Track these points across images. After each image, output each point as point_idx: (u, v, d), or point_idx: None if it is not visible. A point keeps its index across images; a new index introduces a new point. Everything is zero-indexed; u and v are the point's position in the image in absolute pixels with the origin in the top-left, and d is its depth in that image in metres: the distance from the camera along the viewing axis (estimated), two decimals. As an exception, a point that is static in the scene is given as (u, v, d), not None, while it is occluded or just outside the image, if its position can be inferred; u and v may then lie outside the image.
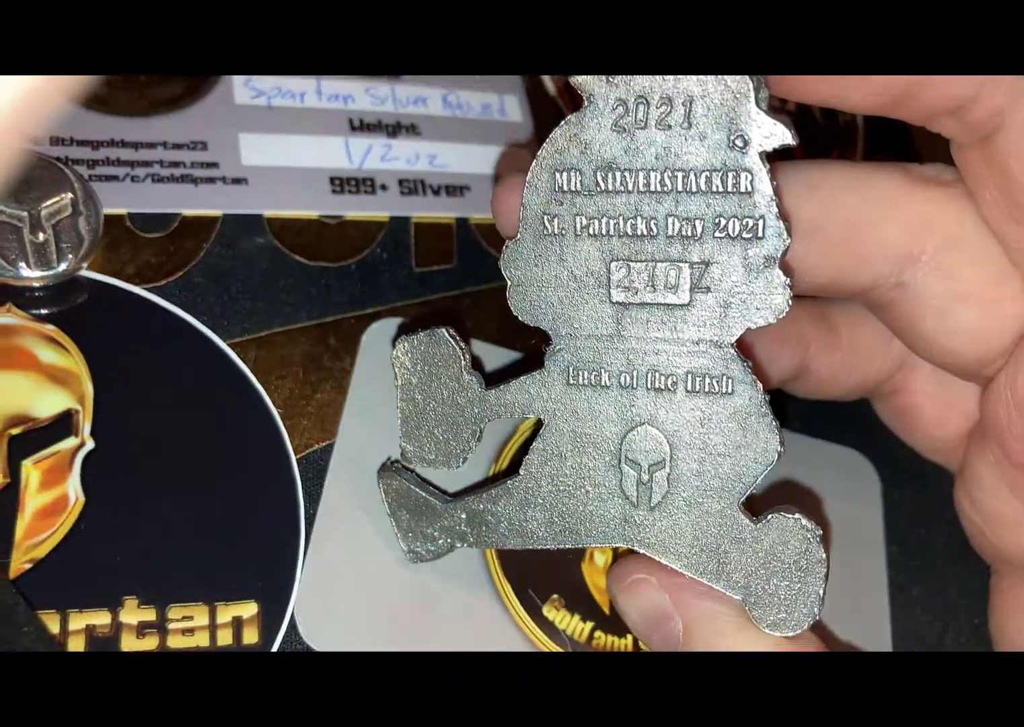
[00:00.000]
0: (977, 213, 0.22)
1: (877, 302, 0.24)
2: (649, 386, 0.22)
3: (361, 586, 0.25)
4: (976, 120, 0.21)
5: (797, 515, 0.22)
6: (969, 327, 0.23)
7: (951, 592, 0.30)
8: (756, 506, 0.22)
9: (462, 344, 0.23)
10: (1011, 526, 0.25)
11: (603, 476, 0.23)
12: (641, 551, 0.23)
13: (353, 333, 0.27)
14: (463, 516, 0.24)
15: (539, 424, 0.23)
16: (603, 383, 0.22)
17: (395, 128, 0.30)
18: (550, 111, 0.31)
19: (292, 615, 0.24)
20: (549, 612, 0.26)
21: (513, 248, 0.22)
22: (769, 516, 0.22)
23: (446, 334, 0.23)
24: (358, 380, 0.27)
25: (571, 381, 0.23)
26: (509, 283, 0.23)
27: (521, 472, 0.23)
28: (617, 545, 0.23)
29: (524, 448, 0.26)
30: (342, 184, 0.29)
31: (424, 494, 0.24)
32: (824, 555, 0.21)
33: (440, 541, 0.24)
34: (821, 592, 0.22)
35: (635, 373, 0.22)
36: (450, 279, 0.29)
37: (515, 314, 0.23)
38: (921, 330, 0.24)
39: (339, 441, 0.26)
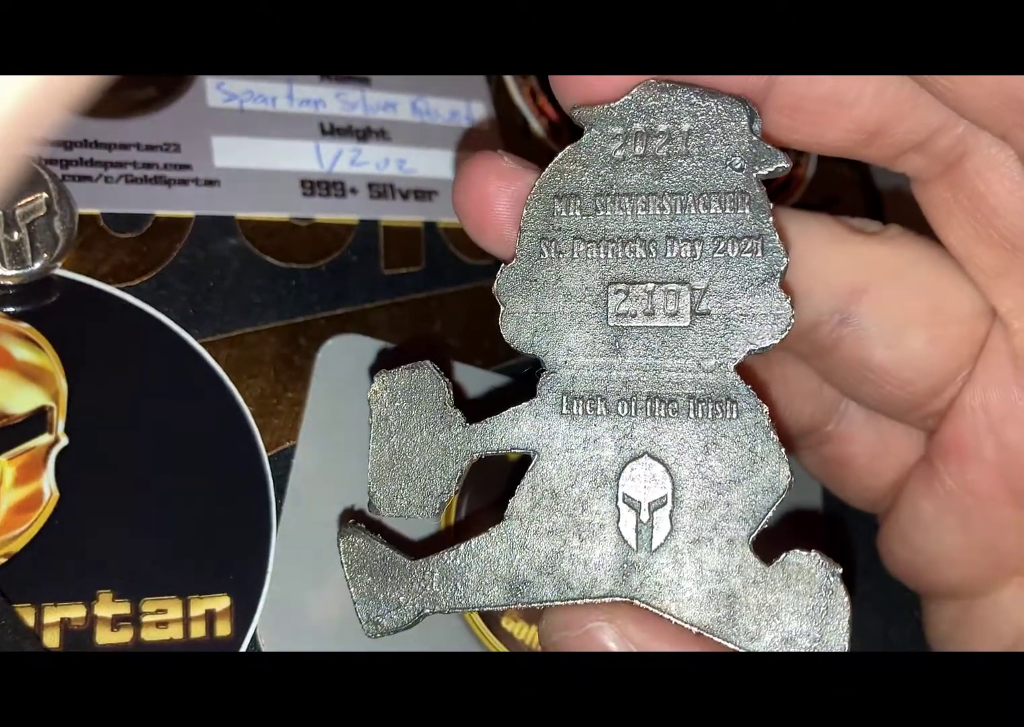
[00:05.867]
0: (912, 251, 0.23)
1: (822, 343, 0.24)
2: (649, 412, 0.21)
3: (325, 589, 0.25)
4: (941, 150, 0.22)
5: (814, 553, 0.20)
6: (920, 354, 0.23)
7: (893, 587, 0.31)
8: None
9: (446, 378, 0.22)
10: (952, 559, 0.25)
11: (599, 514, 0.21)
12: (640, 605, 0.21)
13: (323, 333, 0.28)
14: (435, 575, 0.21)
15: (527, 460, 0.22)
16: (600, 411, 0.21)
17: (365, 133, 0.30)
18: (517, 119, 0.32)
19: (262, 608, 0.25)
20: (508, 623, 0.27)
21: (508, 273, 0.22)
22: (783, 556, 0.21)
23: (429, 367, 0.22)
24: (316, 389, 0.27)
25: (565, 410, 0.21)
26: (503, 309, 0.22)
27: (507, 515, 0.21)
28: (613, 599, 0.21)
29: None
30: (312, 187, 0.29)
31: (392, 551, 0.22)
32: (847, 598, 0.20)
33: (407, 607, 0.22)
34: (845, 640, 0.20)
35: (634, 399, 0.21)
36: (418, 281, 0.30)
37: (508, 341, 0.22)
38: (871, 364, 0.24)
39: (300, 448, 0.26)
